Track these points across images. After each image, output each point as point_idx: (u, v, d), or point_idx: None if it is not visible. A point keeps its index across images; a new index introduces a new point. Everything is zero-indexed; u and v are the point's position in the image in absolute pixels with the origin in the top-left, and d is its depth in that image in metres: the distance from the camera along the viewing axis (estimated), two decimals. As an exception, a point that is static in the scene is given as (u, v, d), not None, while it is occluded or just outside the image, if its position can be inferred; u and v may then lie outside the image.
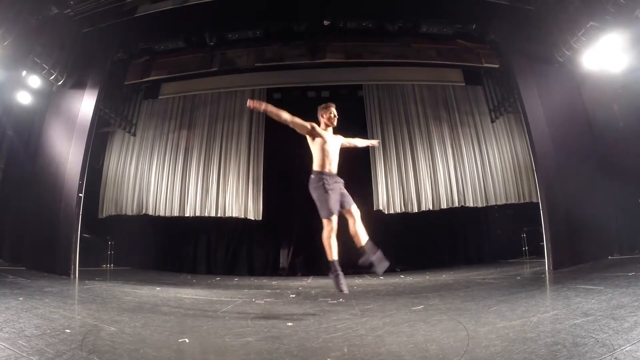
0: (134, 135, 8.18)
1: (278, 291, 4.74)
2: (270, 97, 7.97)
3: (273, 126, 6.07)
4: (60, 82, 5.90)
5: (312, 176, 3.26)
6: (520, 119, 6.26)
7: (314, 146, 3.31)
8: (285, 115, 3.16)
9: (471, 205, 7.46)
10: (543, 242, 5.11)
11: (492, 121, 7.77)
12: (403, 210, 7.39)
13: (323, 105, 3.41)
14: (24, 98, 5.80)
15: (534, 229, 6.39)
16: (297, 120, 3.22)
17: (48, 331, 2.18)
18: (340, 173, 3.39)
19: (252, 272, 7.56)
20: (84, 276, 5.29)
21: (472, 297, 3.40)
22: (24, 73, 5.58)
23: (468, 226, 7.83)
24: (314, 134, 3.28)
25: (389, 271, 6.76)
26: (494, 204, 7.57)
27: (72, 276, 5.17)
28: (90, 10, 5.76)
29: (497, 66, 6.93)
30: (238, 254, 7.80)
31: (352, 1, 6.41)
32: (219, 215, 7.50)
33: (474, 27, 6.42)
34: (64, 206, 5.50)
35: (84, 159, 5.63)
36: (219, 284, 5.66)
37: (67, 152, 5.72)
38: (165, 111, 8.20)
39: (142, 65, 7.39)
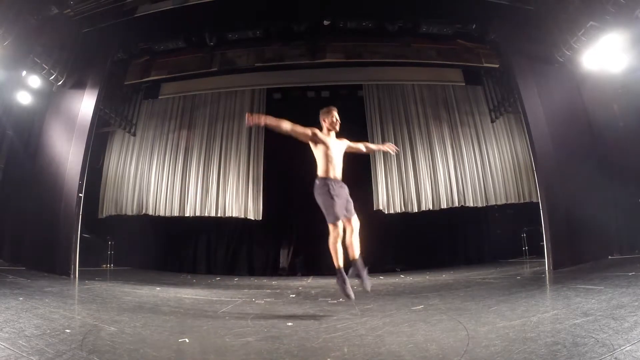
0: (134, 135, 8.17)
1: (278, 291, 4.74)
2: (270, 97, 7.99)
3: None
4: (60, 82, 5.90)
5: (317, 182, 3.21)
6: (520, 119, 6.26)
7: (317, 152, 3.25)
8: (286, 125, 3.11)
9: (471, 205, 7.45)
10: (543, 242, 5.11)
11: (492, 121, 7.76)
12: (403, 210, 7.39)
13: (325, 109, 3.33)
14: (24, 98, 5.80)
15: (534, 229, 6.39)
16: (298, 128, 3.16)
17: (48, 331, 2.18)
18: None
19: (252, 272, 7.56)
20: (84, 276, 5.29)
21: (472, 297, 3.40)
22: (24, 73, 5.58)
23: (468, 226, 7.82)
24: (316, 141, 3.22)
25: (389, 271, 6.88)
26: (494, 203, 7.57)
27: (72, 276, 5.17)
28: (90, 10, 5.76)
29: (497, 66, 6.93)
30: (238, 254, 7.80)
31: (352, 1, 6.41)
32: (219, 215, 7.50)
33: (474, 27, 6.42)
34: (64, 206, 5.50)
35: (84, 159, 5.63)
36: (219, 284, 5.66)
37: (67, 152, 5.72)
38: (165, 111, 8.20)
39: (142, 65, 7.39)
